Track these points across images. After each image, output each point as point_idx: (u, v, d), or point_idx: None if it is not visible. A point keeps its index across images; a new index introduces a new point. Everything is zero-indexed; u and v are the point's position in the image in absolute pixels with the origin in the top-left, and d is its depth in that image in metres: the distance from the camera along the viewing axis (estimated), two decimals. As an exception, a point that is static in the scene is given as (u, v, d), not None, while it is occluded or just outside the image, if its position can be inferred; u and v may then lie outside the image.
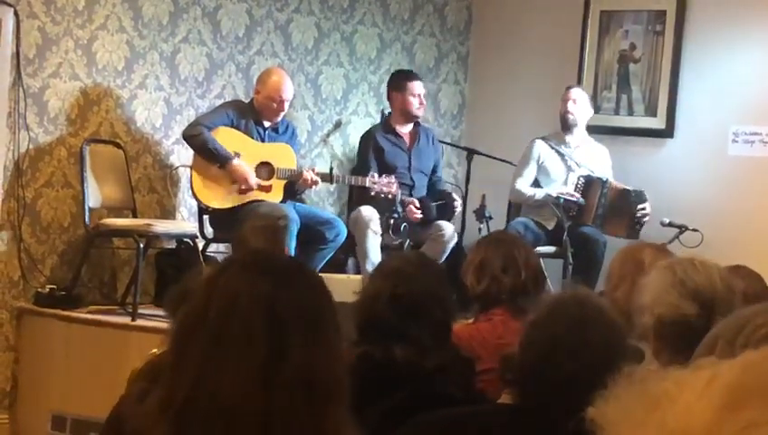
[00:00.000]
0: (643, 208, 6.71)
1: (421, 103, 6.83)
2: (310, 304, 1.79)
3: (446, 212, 6.74)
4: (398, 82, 6.88)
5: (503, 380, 2.63)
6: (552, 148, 6.94)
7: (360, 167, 6.76)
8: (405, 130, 6.87)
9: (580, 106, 6.91)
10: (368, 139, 6.80)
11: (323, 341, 1.77)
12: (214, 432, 1.70)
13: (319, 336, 1.77)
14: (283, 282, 1.77)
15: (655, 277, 2.95)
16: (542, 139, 6.98)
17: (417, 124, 6.95)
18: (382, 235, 6.48)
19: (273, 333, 1.73)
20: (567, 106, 6.90)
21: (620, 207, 6.74)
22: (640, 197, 6.72)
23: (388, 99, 6.94)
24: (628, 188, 6.77)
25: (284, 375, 1.71)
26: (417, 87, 6.82)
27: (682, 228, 6.58)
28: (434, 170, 6.98)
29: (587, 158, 6.94)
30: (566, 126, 6.93)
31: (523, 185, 6.91)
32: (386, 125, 6.87)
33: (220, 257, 6.15)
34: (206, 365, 1.71)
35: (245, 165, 6.19)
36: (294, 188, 6.36)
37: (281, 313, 1.74)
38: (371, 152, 6.71)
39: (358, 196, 6.70)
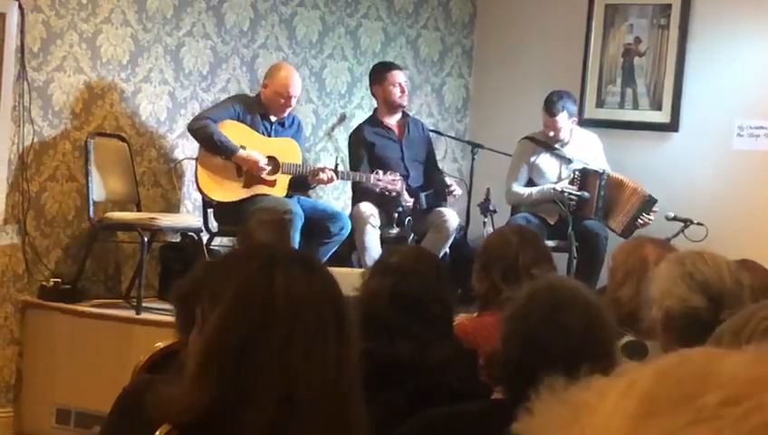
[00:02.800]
0: (648, 218, 6.67)
1: (402, 91, 6.82)
2: (342, 294, 1.94)
3: (440, 196, 6.73)
4: (378, 74, 6.88)
5: (490, 378, 2.63)
6: (542, 146, 6.91)
7: (352, 164, 6.76)
8: (392, 121, 6.86)
9: (564, 130, 6.83)
10: (356, 135, 6.80)
11: (354, 329, 1.93)
12: (314, 422, 1.77)
13: (353, 325, 1.92)
14: (330, 277, 1.91)
15: (663, 270, 2.95)
16: (529, 138, 6.94)
17: (405, 115, 6.94)
18: (384, 227, 6.50)
19: (339, 325, 1.84)
20: (549, 133, 6.84)
21: (616, 198, 6.72)
22: (650, 204, 6.69)
23: (372, 94, 6.94)
24: (648, 194, 6.70)
25: (349, 363, 1.84)
26: (396, 76, 6.82)
27: (687, 222, 6.57)
28: (428, 159, 6.97)
29: (578, 151, 6.91)
30: (552, 139, 6.89)
31: (519, 187, 6.89)
32: (373, 119, 6.87)
33: (224, 251, 6.15)
34: (284, 363, 1.77)
35: (253, 152, 6.18)
36: (302, 182, 6.36)
37: (341, 306, 1.87)
38: (361, 148, 6.72)
39: (359, 191, 6.70)
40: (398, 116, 6.89)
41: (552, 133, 6.81)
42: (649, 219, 6.66)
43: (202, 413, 1.74)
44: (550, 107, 6.77)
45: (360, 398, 1.83)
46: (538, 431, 0.85)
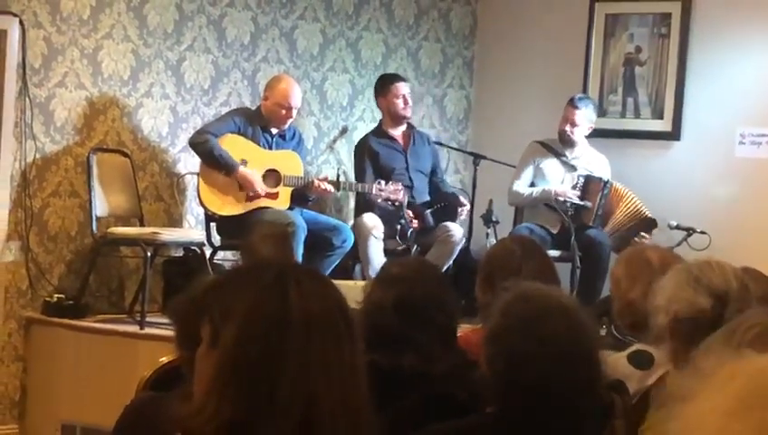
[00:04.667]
0: (645, 238, 6.70)
1: (406, 103, 6.86)
2: (349, 305, 1.96)
3: (450, 214, 6.75)
4: (382, 86, 6.93)
5: (482, 398, 2.62)
6: (551, 152, 6.94)
7: (357, 174, 6.80)
8: (397, 132, 6.91)
9: (580, 128, 6.87)
10: (362, 146, 6.86)
11: (361, 337, 1.95)
12: (340, 429, 1.79)
13: (360, 334, 1.94)
14: (338, 289, 1.93)
15: (670, 278, 2.95)
16: (541, 142, 6.98)
17: (410, 127, 6.98)
18: (388, 240, 6.51)
19: (350, 336, 1.86)
20: (566, 127, 6.87)
21: (624, 220, 6.76)
22: (650, 226, 6.73)
23: (377, 106, 6.98)
24: (650, 217, 6.74)
25: (362, 371, 1.86)
26: (400, 88, 6.86)
27: (690, 231, 6.57)
28: (434, 172, 7.00)
29: (586, 164, 6.93)
30: (564, 141, 6.92)
31: (521, 186, 6.92)
32: (378, 131, 6.91)
33: (228, 265, 6.15)
34: (302, 376, 1.78)
35: (252, 172, 6.21)
36: (303, 194, 6.37)
37: (350, 316, 1.89)
38: (366, 159, 6.76)
39: (362, 203, 6.72)
40: (403, 127, 6.94)
41: (566, 126, 6.82)
42: (645, 238, 6.69)
43: (222, 427, 1.76)
44: (575, 100, 6.88)
45: (370, 404, 1.87)
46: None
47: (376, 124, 7.29)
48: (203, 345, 1.86)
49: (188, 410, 1.81)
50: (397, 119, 6.88)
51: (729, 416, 0.86)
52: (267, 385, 1.77)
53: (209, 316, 1.84)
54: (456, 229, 6.64)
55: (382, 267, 3.63)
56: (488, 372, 2.50)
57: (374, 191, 6.46)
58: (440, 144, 7.40)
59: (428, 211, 6.72)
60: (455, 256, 6.57)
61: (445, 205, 6.77)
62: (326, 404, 1.78)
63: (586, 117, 6.86)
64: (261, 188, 6.20)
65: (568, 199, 6.66)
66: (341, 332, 1.84)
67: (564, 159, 6.92)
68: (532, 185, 6.96)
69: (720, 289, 2.84)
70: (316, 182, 6.31)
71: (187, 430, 1.82)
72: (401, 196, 6.46)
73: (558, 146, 6.94)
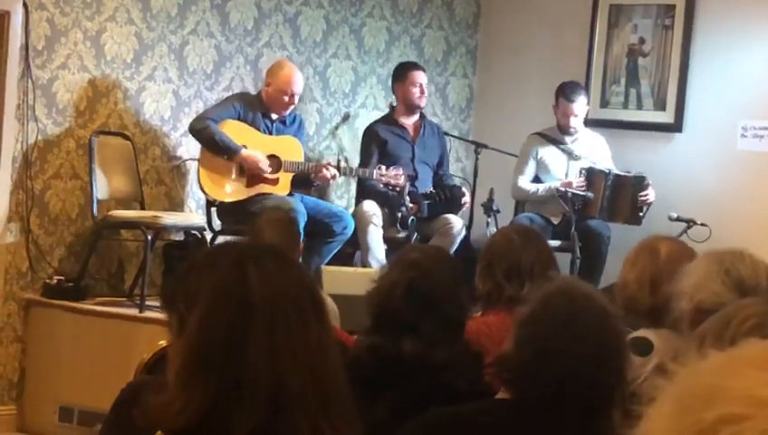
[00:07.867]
0: (645, 195, 6.71)
1: (422, 93, 6.85)
2: (314, 282, 1.97)
3: (453, 206, 6.74)
4: (400, 72, 6.93)
5: (500, 379, 2.63)
6: (550, 142, 6.93)
7: (362, 161, 6.81)
8: (409, 121, 6.90)
9: (580, 118, 6.88)
10: (370, 132, 6.86)
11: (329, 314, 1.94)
12: (311, 410, 1.78)
13: (327, 310, 1.92)
14: (301, 267, 1.93)
15: (700, 264, 2.93)
16: (538, 134, 6.97)
17: (422, 117, 6.97)
18: (388, 228, 6.52)
19: (317, 313, 1.84)
20: (569, 121, 6.85)
21: (620, 194, 6.74)
22: (640, 183, 6.72)
23: (393, 91, 6.98)
24: (626, 174, 6.76)
25: (331, 348, 1.84)
26: (417, 77, 6.85)
27: (690, 223, 6.57)
28: (440, 164, 7.00)
29: (586, 149, 6.93)
30: (563, 131, 6.91)
31: (525, 182, 6.91)
32: (389, 118, 6.91)
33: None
34: (269, 358, 1.77)
35: (254, 152, 6.20)
36: (304, 180, 6.37)
37: (316, 293, 1.87)
38: (373, 145, 6.77)
39: (363, 190, 6.72)
40: (416, 117, 6.93)
41: (569, 120, 6.81)
42: (646, 195, 6.69)
43: (193, 418, 1.74)
44: (568, 94, 6.82)
45: (344, 380, 1.85)
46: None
47: (377, 111, 7.30)
48: (172, 334, 1.85)
49: (160, 402, 1.79)
50: (411, 107, 6.88)
51: (670, 418, 0.90)
52: (233, 370, 1.76)
53: (175, 305, 1.83)
54: (456, 221, 6.64)
55: (401, 251, 3.63)
56: (514, 354, 2.51)
57: (375, 176, 6.46)
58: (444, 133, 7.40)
59: (426, 202, 6.71)
60: (454, 248, 6.56)
61: (447, 196, 6.76)
62: (294, 386, 1.76)
63: (583, 105, 6.88)
64: (265, 166, 6.19)
65: (571, 191, 6.65)
66: (307, 312, 1.82)
67: (564, 146, 6.92)
68: (537, 178, 6.95)
69: (749, 285, 2.81)
70: (324, 171, 6.30)
71: (160, 425, 1.79)
72: (402, 181, 6.45)
73: (557, 134, 6.94)
